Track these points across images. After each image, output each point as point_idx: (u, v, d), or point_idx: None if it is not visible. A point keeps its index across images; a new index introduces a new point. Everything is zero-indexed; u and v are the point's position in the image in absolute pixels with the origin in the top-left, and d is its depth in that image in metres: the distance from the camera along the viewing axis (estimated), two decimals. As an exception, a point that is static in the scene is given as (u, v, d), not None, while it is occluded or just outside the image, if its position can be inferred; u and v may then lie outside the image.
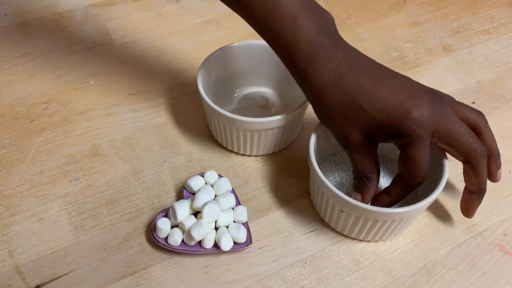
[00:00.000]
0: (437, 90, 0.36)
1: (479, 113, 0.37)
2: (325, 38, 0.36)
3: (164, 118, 0.49)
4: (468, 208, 0.39)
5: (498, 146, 0.48)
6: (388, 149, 0.44)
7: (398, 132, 0.34)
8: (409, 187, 0.36)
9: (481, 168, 0.36)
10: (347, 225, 0.38)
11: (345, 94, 0.35)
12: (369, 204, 0.37)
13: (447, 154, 0.38)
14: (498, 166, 0.38)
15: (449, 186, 0.44)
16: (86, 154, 0.46)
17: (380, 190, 0.38)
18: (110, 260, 0.38)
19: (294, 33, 0.35)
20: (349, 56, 0.36)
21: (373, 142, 0.36)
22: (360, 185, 0.37)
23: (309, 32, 0.35)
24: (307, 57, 0.36)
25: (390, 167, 0.43)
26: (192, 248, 0.38)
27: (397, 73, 0.37)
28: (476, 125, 0.37)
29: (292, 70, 0.38)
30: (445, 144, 0.35)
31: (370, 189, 0.37)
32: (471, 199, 0.38)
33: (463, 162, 0.36)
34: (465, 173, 0.37)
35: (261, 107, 0.49)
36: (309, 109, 0.51)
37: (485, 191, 0.38)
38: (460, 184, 0.44)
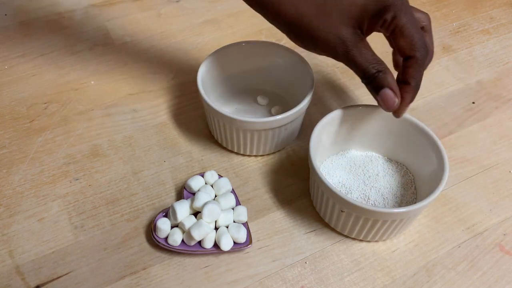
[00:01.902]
0: None
1: (427, 14, 0.38)
2: None
3: (164, 118, 0.49)
4: (401, 108, 0.36)
5: (498, 146, 0.48)
6: (390, 150, 0.44)
7: (383, 6, 0.33)
8: (420, 63, 0.34)
9: (423, 65, 0.35)
10: (347, 225, 0.38)
11: None
12: (398, 100, 0.35)
13: (446, 156, 0.38)
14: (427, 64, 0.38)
15: (449, 186, 0.44)
16: (86, 154, 0.46)
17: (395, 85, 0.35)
18: (110, 260, 0.38)
19: None
20: None
21: (363, 33, 0.35)
22: (380, 81, 0.34)
23: None
24: None
25: (390, 167, 0.44)
26: (192, 248, 0.38)
27: None
28: (425, 28, 0.37)
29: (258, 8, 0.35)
30: (399, 35, 0.34)
31: (391, 79, 0.34)
32: (407, 89, 0.35)
33: (406, 56, 0.35)
34: (406, 67, 0.35)
35: (261, 107, 0.49)
36: (309, 109, 0.51)
37: (419, 89, 0.36)
38: (460, 184, 0.44)
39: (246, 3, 0.36)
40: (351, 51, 0.34)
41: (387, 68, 0.34)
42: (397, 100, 0.35)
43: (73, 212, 0.41)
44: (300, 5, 0.34)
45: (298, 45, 0.37)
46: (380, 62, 0.34)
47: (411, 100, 0.36)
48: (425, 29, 0.37)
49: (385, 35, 0.37)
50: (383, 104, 0.35)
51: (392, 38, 0.35)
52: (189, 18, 0.62)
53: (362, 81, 0.35)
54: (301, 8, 0.34)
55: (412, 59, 0.35)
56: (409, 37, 0.34)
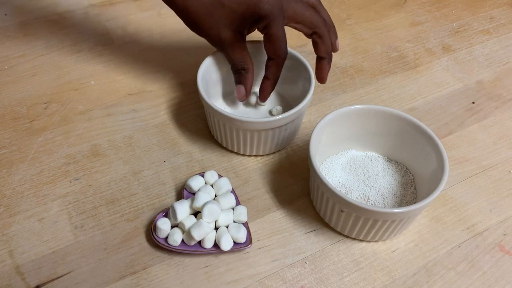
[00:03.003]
0: None
1: (323, 29, 0.43)
2: None
3: (164, 118, 0.49)
4: (322, 74, 0.44)
5: (498, 146, 0.48)
6: (390, 149, 0.44)
7: (258, 17, 0.40)
8: (279, 64, 0.42)
9: (326, 35, 0.43)
10: (347, 225, 0.38)
11: None
12: (256, 95, 0.44)
13: (446, 156, 0.38)
14: (336, 36, 0.46)
15: (449, 186, 0.44)
16: (86, 154, 0.46)
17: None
18: (110, 260, 0.38)
19: None
20: None
21: (242, 35, 0.42)
22: (240, 77, 0.43)
23: None
24: None
25: (391, 167, 0.44)
26: (192, 248, 0.38)
27: None
28: (313, 5, 0.44)
29: None
30: (295, 22, 0.42)
31: (249, 78, 0.43)
32: (323, 64, 0.44)
33: (311, 35, 0.43)
34: (314, 44, 0.43)
35: (261, 107, 0.49)
36: (309, 109, 0.51)
37: (332, 56, 0.44)
38: (460, 184, 0.44)
39: None
40: (228, 50, 0.42)
41: (250, 69, 0.43)
42: (245, 96, 0.44)
43: (73, 212, 0.41)
44: (195, 5, 0.41)
45: (195, 32, 0.44)
46: (248, 62, 0.43)
47: (271, 91, 0.44)
48: (316, 8, 0.44)
49: None
50: (236, 94, 0.44)
51: (264, 40, 0.42)
52: (189, 18, 0.62)
53: (231, 69, 0.44)
54: (196, 7, 0.41)
55: (273, 61, 0.42)
56: (274, 45, 0.41)
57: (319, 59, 0.44)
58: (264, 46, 0.42)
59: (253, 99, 0.49)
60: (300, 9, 0.42)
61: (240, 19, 0.41)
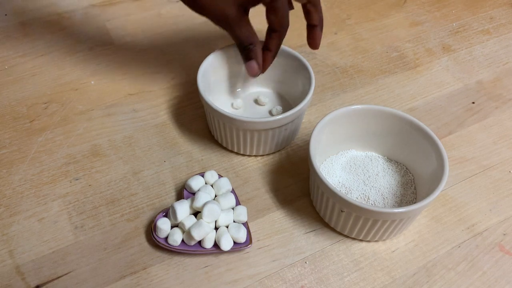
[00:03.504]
0: None
1: None
2: None
3: (164, 118, 0.49)
4: (315, 40, 0.45)
5: (498, 146, 0.48)
6: (390, 150, 0.44)
7: None
8: (281, 36, 0.43)
9: (319, 3, 0.44)
10: (347, 225, 0.38)
11: None
12: (260, 70, 0.43)
13: (446, 156, 0.38)
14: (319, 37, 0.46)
15: (449, 186, 0.44)
16: (86, 154, 0.46)
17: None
18: (110, 260, 0.38)
19: None
20: None
21: (246, 11, 0.42)
22: (250, 53, 0.43)
23: None
24: None
25: (391, 167, 0.44)
26: (192, 248, 0.38)
27: None
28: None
29: None
30: (274, 11, 0.41)
31: (259, 52, 0.43)
32: (316, 31, 0.45)
33: (305, 4, 0.43)
34: (307, 13, 0.44)
35: (261, 107, 0.49)
36: (309, 109, 0.51)
37: (323, 24, 0.45)
38: (460, 184, 0.44)
39: None
40: (234, 27, 0.42)
41: (258, 43, 0.43)
42: (259, 71, 0.44)
43: (73, 212, 0.41)
44: None
45: (197, 12, 0.44)
46: (255, 37, 0.42)
47: (271, 62, 0.45)
48: (312, 2, 0.44)
49: None
50: (248, 71, 0.44)
51: (267, 13, 0.42)
52: (189, 18, 0.62)
53: (238, 49, 0.43)
54: None
55: (276, 33, 0.42)
56: (279, 17, 0.41)
57: (312, 27, 0.45)
58: (267, 18, 0.42)
59: (260, 99, 0.49)
60: (283, 6, 0.42)
61: None
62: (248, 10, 0.42)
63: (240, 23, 0.41)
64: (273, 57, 0.44)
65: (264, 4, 0.42)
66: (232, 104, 0.49)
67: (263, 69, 0.45)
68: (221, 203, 0.40)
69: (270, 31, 0.43)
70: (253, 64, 0.43)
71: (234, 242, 0.38)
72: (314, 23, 0.45)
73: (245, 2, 0.41)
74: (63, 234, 0.40)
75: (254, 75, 0.44)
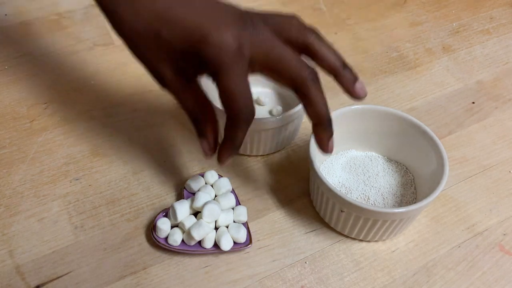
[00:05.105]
0: (254, 11, 0.31)
1: (309, 30, 0.32)
2: None
3: (164, 118, 0.49)
4: (319, 143, 0.34)
5: (498, 146, 0.48)
6: (392, 150, 0.44)
7: (201, 60, 0.29)
8: (236, 126, 0.31)
9: (312, 94, 0.31)
10: (347, 225, 0.38)
11: (140, 21, 0.30)
12: (212, 152, 0.34)
13: (446, 156, 0.38)
14: (352, 79, 0.32)
15: (449, 186, 0.44)
16: (86, 154, 0.46)
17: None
18: (110, 260, 0.38)
19: None
20: None
21: (188, 76, 0.32)
22: (197, 129, 0.33)
23: None
24: None
25: (391, 167, 0.44)
26: (192, 248, 0.38)
27: None
28: (306, 46, 0.31)
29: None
30: (268, 72, 0.31)
31: (208, 130, 0.33)
32: (317, 131, 0.33)
33: (294, 92, 0.31)
34: (301, 103, 0.32)
35: (261, 107, 0.49)
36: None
37: (328, 118, 0.32)
38: (460, 184, 0.44)
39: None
40: (172, 92, 0.33)
41: (207, 118, 0.33)
42: (209, 152, 0.34)
43: (73, 212, 0.41)
44: (129, 29, 0.31)
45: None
46: (199, 109, 0.33)
47: (230, 155, 0.34)
48: (310, 49, 0.32)
49: None
50: (201, 151, 0.35)
51: (218, 94, 0.31)
52: (189, 18, 0.62)
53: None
54: (130, 32, 0.31)
55: (229, 120, 0.32)
56: (226, 101, 0.30)
57: (313, 125, 0.33)
58: (219, 99, 0.31)
59: (260, 100, 0.49)
60: (275, 56, 0.30)
61: (180, 58, 0.30)
62: (192, 77, 0.32)
63: (179, 89, 0.32)
64: (230, 149, 0.33)
65: (213, 80, 0.30)
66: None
67: (219, 159, 0.34)
68: (221, 203, 0.40)
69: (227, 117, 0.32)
70: (203, 144, 0.34)
71: (234, 242, 0.38)
72: (311, 121, 0.33)
73: (183, 67, 0.31)
74: (63, 234, 0.40)
75: (207, 156, 0.35)
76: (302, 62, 0.31)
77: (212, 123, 0.34)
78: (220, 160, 0.34)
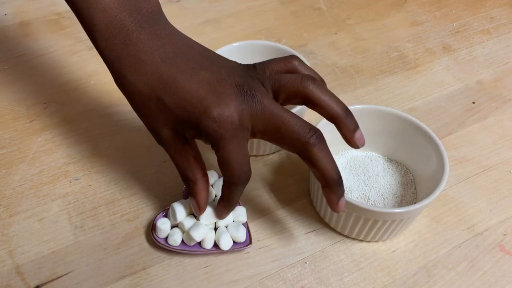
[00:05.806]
0: (254, 68, 0.33)
1: (307, 79, 0.32)
2: (128, 18, 0.32)
3: (164, 118, 0.49)
4: (329, 203, 0.33)
5: (498, 146, 0.48)
6: (391, 150, 0.44)
7: (200, 132, 0.31)
8: (232, 188, 0.33)
9: (315, 157, 0.31)
10: (347, 225, 0.38)
11: (143, 84, 0.31)
12: (201, 212, 0.36)
13: (447, 156, 0.38)
14: (353, 128, 0.32)
15: (449, 186, 0.44)
16: (86, 154, 0.46)
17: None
18: (110, 260, 0.38)
19: (90, 7, 0.32)
20: (154, 41, 0.32)
21: (186, 138, 0.33)
22: (188, 189, 0.35)
23: (107, 9, 0.31)
24: (106, 38, 0.32)
25: (391, 167, 0.43)
26: (192, 248, 0.38)
27: (211, 63, 0.32)
28: (306, 97, 0.32)
29: (97, 50, 0.33)
30: (269, 139, 0.32)
31: (198, 191, 0.34)
32: (325, 192, 0.33)
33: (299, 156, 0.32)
34: (222, 187, 0.34)
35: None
36: (309, 109, 0.51)
37: (337, 179, 0.32)
38: (460, 184, 0.44)
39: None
40: (168, 151, 0.34)
41: (199, 179, 0.34)
42: (199, 212, 0.36)
43: (73, 212, 0.41)
44: (133, 90, 0.32)
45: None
46: (193, 171, 0.34)
47: (226, 213, 0.36)
48: (311, 101, 0.32)
49: None
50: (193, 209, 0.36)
51: (218, 162, 0.32)
52: (189, 18, 0.62)
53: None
54: (132, 92, 0.32)
55: (226, 183, 0.33)
56: (224, 168, 0.32)
57: (321, 186, 0.33)
58: (218, 165, 0.32)
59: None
60: (274, 122, 0.30)
61: (180, 125, 0.31)
62: (189, 140, 0.33)
63: (176, 150, 0.33)
64: (227, 207, 0.35)
65: (212, 147, 0.31)
66: None
67: (217, 217, 0.37)
68: (221, 203, 0.40)
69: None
70: (193, 203, 0.35)
71: (234, 242, 0.38)
72: (319, 182, 0.33)
73: (183, 131, 0.32)
74: (63, 234, 0.40)
75: (197, 214, 0.36)
76: (303, 126, 0.31)
77: (203, 185, 0.35)
78: (218, 217, 0.37)
